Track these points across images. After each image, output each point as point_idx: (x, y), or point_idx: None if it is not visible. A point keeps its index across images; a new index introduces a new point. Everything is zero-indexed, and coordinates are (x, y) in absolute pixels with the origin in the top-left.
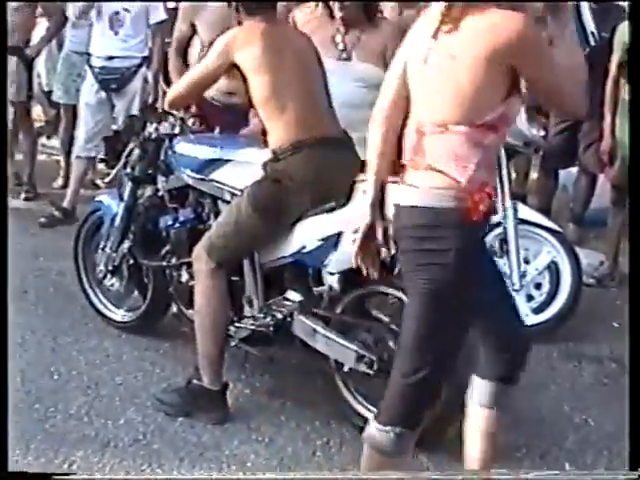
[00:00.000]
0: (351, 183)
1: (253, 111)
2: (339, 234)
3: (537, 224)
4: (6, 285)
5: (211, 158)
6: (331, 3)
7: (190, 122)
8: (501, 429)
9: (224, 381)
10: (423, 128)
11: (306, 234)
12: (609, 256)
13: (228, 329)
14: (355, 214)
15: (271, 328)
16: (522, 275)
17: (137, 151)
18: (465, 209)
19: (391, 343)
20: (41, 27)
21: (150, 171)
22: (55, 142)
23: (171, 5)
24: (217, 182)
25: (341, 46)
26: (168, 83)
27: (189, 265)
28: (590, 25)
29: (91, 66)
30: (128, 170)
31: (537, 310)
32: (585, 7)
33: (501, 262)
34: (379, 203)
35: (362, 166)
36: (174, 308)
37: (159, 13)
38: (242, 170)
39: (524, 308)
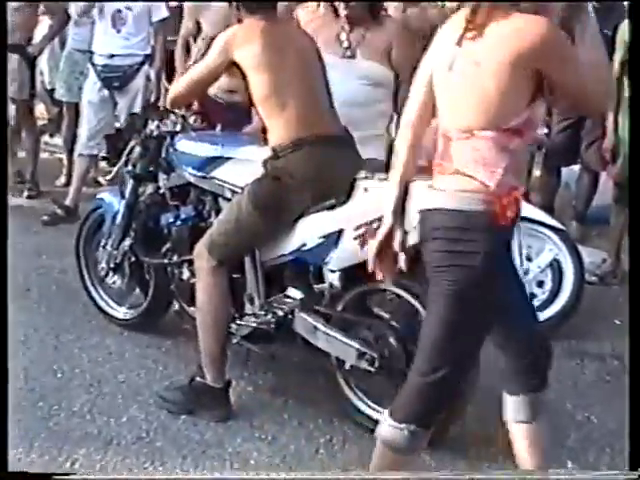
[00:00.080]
0: (352, 181)
1: (254, 109)
2: (340, 232)
3: (539, 222)
4: (6, 283)
5: (212, 156)
6: (336, 1)
7: (191, 120)
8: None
9: (227, 379)
10: (449, 134)
11: (307, 232)
12: (611, 254)
13: (229, 326)
14: (356, 212)
15: (272, 325)
16: (524, 273)
17: (138, 149)
18: (493, 213)
19: (392, 340)
20: (43, 25)
21: (151, 169)
22: (58, 140)
23: (173, 3)
24: (218, 180)
25: (345, 44)
26: (170, 81)
27: (190, 263)
28: None
29: (93, 64)
30: (129, 168)
31: (539, 308)
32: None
33: None
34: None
35: (363, 164)
36: (176, 305)
37: (161, 11)
38: (243, 168)
39: None
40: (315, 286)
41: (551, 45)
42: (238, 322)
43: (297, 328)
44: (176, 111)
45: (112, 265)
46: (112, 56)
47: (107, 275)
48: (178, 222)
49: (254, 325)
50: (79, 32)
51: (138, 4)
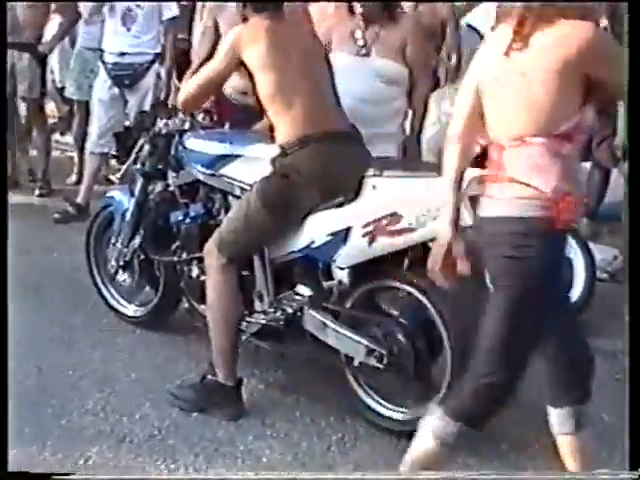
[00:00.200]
0: (360, 178)
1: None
2: (348, 229)
3: None
4: (6, 283)
5: (221, 154)
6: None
7: (200, 118)
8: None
9: (238, 377)
10: (501, 142)
11: (315, 229)
12: (623, 251)
13: (239, 324)
14: (364, 209)
15: (282, 322)
16: None
17: (147, 147)
18: (550, 218)
19: (400, 337)
20: (54, 23)
21: (160, 166)
22: (68, 138)
23: (184, 2)
24: (227, 177)
25: (361, 42)
26: (181, 79)
27: (200, 260)
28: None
29: (104, 62)
30: (139, 166)
31: None
32: None
33: None
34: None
35: (371, 161)
36: (185, 303)
37: (172, 9)
38: (252, 165)
39: None
40: (324, 283)
41: (598, 49)
42: (247, 319)
43: (306, 325)
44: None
45: (122, 263)
46: (122, 54)
47: (117, 273)
48: (187, 220)
49: (263, 322)
50: (89, 30)
51: (148, 2)
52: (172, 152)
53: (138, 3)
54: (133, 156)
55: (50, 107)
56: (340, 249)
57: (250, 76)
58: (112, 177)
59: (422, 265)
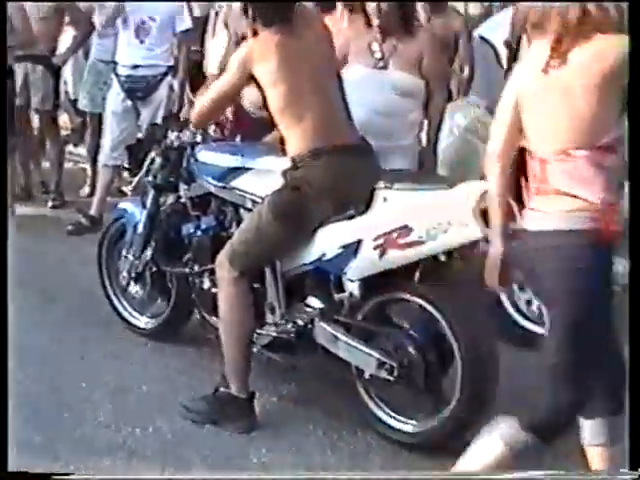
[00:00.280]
0: (371, 190)
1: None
2: (359, 241)
3: None
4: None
5: (233, 166)
6: (369, 11)
7: (211, 130)
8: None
9: (251, 389)
10: (544, 156)
11: (326, 242)
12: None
13: (251, 336)
14: (375, 221)
15: (293, 335)
16: None
17: (159, 159)
18: (599, 230)
19: (411, 349)
20: (67, 36)
21: (172, 179)
22: (81, 150)
23: (197, 14)
24: (239, 190)
25: (378, 54)
26: (194, 91)
27: (211, 272)
28: None
29: (117, 75)
30: (150, 178)
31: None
32: None
33: None
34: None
35: (382, 174)
36: (197, 315)
37: (185, 22)
38: (263, 178)
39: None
40: (335, 295)
41: None
42: (259, 331)
43: (317, 337)
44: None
45: (133, 274)
46: (136, 67)
47: (129, 284)
48: (199, 232)
49: (274, 334)
50: (103, 42)
51: (162, 14)
52: (184, 164)
53: (151, 16)
54: (145, 168)
55: (63, 119)
56: (351, 262)
57: (260, 89)
58: (125, 189)
59: (433, 277)
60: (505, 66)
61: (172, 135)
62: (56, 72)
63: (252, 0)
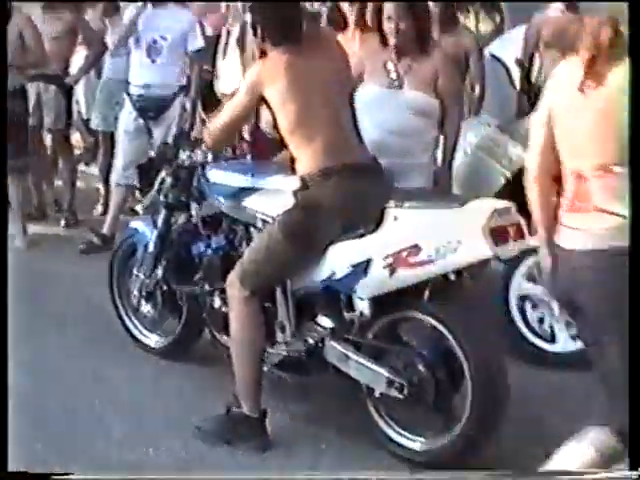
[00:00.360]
0: (381, 209)
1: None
2: (369, 260)
3: None
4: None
5: (243, 186)
6: (385, 31)
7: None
8: None
9: (263, 408)
10: (582, 173)
11: (336, 260)
12: None
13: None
14: (385, 240)
15: (303, 353)
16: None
17: (170, 179)
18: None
19: (420, 367)
20: (80, 56)
21: (183, 198)
22: (94, 169)
23: (209, 33)
24: (249, 209)
25: (393, 74)
26: (206, 110)
27: (222, 291)
28: None
29: (129, 94)
30: (162, 197)
31: (576, 337)
32: None
33: (540, 288)
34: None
35: (393, 193)
36: (208, 334)
37: (197, 41)
38: (274, 197)
39: (563, 335)
40: (345, 314)
41: None
42: (269, 350)
43: (328, 356)
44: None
45: (144, 293)
46: (148, 86)
47: (139, 303)
48: (209, 251)
49: (285, 353)
50: (115, 62)
51: (173, 33)
52: (195, 184)
53: (163, 35)
54: (156, 187)
55: (75, 138)
56: (361, 280)
57: (270, 110)
58: (138, 208)
59: (442, 296)
60: (517, 85)
61: (183, 155)
62: (68, 91)
63: None
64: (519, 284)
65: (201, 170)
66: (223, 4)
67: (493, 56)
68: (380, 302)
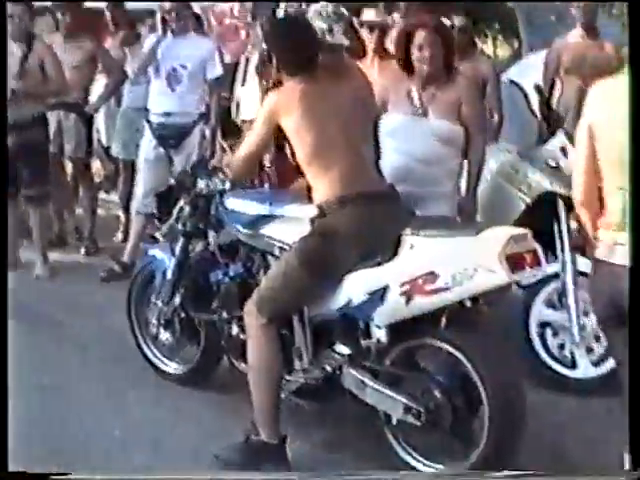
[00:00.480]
0: (398, 237)
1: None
2: (385, 288)
3: None
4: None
5: (261, 214)
6: (413, 59)
7: None
8: None
9: (282, 434)
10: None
11: (353, 288)
12: None
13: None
14: (401, 268)
15: (321, 381)
16: (582, 327)
17: (188, 207)
18: None
19: (437, 394)
20: (100, 84)
21: (201, 226)
22: (114, 197)
23: (227, 60)
24: (267, 237)
25: (417, 102)
26: (226, 137)
27: (240, 319)
28: None
29: (149, 122)
30: (180, 226)
31: (597, 363)
32: None
33: (560, 314)
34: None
35: (410, 220)
36: (226, 361)
37: (216, 69)
38: (291, 225)
39: (584, 361)
40: (362, 341)
41: None
42: (287, 377)
43: (345, 383)
44: (225, 169)
45: (162, 321)
46: (167, 114)
47: (158, 331)
48: (227, 279)
49: (302, 380)
50: (135, 90)
51: (193, 61)
52: (212, 212)
53: (183, 63)
54: (174, 215)
55: (96, 165)
56: (378, 308)
57: (287, 139)
58: (158, 235)
59: (459, 323)
60: (537, 111)
61: (201, 183)
62: (89, 120)
63: None
64: (540, 311)
65: (219, 198)
66: (243, 31)
67: (512, 82)
68: (397, 329)
